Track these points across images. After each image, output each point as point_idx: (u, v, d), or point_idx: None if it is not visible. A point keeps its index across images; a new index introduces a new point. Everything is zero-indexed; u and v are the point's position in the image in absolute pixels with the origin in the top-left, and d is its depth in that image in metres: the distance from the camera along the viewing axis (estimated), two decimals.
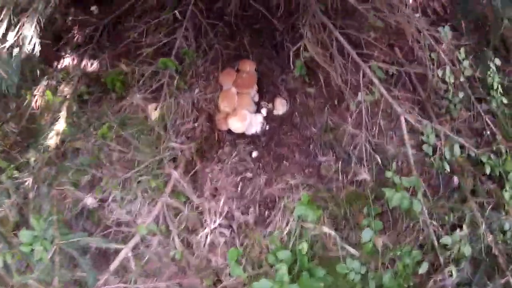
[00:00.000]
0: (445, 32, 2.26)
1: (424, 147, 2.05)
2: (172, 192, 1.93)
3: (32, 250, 1.94)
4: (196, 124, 2.01)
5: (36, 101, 2.28)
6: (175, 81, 2.03)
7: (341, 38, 1.99)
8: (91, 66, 2.34)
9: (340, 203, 1.97)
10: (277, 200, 1.98)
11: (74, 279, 1.82)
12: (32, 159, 2.09)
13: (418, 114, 2.16)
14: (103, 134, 2.00)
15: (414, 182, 1.93)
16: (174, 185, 1.93)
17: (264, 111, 2.11)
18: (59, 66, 2.41)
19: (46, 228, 1.90)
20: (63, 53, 2.43)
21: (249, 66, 2.08)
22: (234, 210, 1.96)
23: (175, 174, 1.93)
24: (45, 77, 2.31)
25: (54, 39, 2.41)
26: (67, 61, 2.41)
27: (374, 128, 2.11)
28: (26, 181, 2.03)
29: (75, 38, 2.44)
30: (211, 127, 2.05)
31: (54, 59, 2.42)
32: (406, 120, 2.07)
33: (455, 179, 2.11)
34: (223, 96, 2.04)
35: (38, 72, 2.33)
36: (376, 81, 2.00)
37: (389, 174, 1.95)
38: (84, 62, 2.35)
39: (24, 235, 1.95)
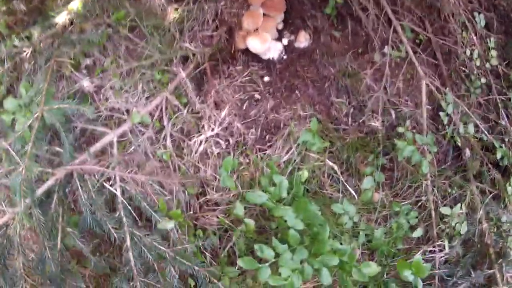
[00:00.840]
0: (480, 18, 2.24)
1: (441, 114, 1.98)
2: (174, 90, 1.81)
3: (14, 119, 1.80)
4: (214, 33, 1.91)
5: None
6: None
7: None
8: None
9: (346, 146, 1.87)
10: (281, 126, 1.86)
11: (50, 152, 1.67)
12: (36, 33, 1.96)
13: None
14: (118, 19, 1.88)
15: (428, 140, 1.85)
16: (178, 84, 1.81)
17: (285, 41, 2.02)
18: None
19: (32, 98, 1.76)
20: None
21: None
22: (235, 125, 1.84)
23: (182, 74, 1.81)
24: None
25: None
26: None
27: (393, 87, 2.04)
28: (25, 51, 1.90)
29: None
30: (229, 41, 1.95)
31: None
32: (427, 85, 2.01)
33: (467, 151, 2.02)
34: (249, 15, 1.95)
35: None
36: (405, 40, 1.94)
37: (401, 129, 1.88)
38: None
39: (9, 102, 1.81)
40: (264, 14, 1.97)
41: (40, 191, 1.59)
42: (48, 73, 1.76)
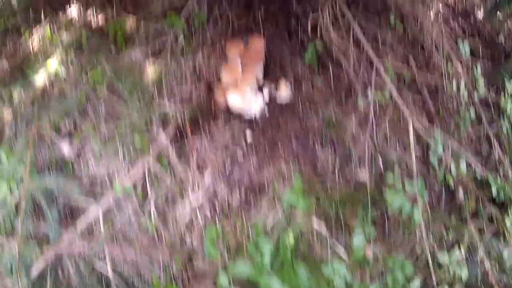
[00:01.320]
0: (464, 47, 2.18)
1: (431, 156, 1.92)
2: (155, 155, 1.75)
3: None
4: (193, 90, 1.86)
5: (33, 42, 2.12)
6: (179, 43, 1.90)
7: (358, 30, 1.89)
8: (96, 17, 2.20)
9: (333, 201, 1.81)
10: (266, 186, 1.81)
11: (36, 229, 1.62)
12: (16, 94, 1.92)
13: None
14: (95, 80, 1.84)
15: (418, 186, 1.79)
16: (159, 148, 1.76)
17: (266, 91, 1.97)
18: (65, 13, 2.25)
19: (15, 167, 1.72)
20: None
21: (258, 42, 1.96)
22: (219, 188, 1.79)
23: (162, 137, 1.76)
24: (47, 20, 2.16)
25: None
26: (74, 9, 2.26)
27: (379, 130, 1.98)
28: (4, 115, 1.86)
29: None
30: (209, 97, 1.90)
31: (61, 4, 2.27)
32: (413, 126, 1.95)
33: (461, 192, 1.96)
34: (227, 68, 1.91)
35: (42, 14, 2.18)
36: (388, 80, 1.88)
37: (390, 177, 1.81)
38: (89, 13, 2.20)
39: None
40: (242, 66, 1.92)
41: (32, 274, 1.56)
42: (30, 141, 1.72)
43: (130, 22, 2.02)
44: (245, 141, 1.90)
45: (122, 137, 1.77)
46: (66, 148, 1.83)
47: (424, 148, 2.01)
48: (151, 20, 1.99)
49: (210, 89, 1.91)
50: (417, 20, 2.21)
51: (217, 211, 1.75)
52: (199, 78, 1.90)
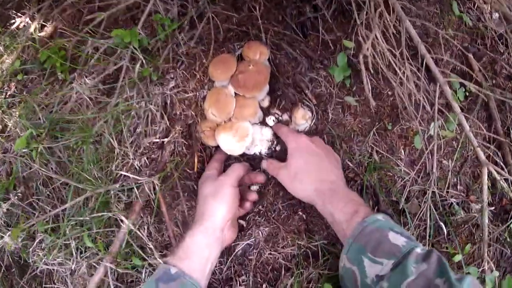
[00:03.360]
0: None
1: None
2: (119, 250, 1.23)
3: None
4: (165, 140, 1.27)
5: None
6: (137, 67, 1.28)
7: (412, 31, 1.20)
8: (42, 30, 1.57)
9: None
10: (282, 270, 1.28)
11: None
12: None
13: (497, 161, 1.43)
14: (18, 148, 1.29)
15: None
16: (122, 240, 1.23)
17: (271, 122, 1.36)
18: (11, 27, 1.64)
19: None
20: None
21: (259, 53, 1.30)
22: (216, 279, 1.28)
23: (125, 224, 1.22)
24: None
25: None
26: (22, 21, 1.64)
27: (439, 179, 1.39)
28: None
29: None
30: (190, 143, 1.31)
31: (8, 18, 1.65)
32: (490, 174, 1.33)
33: None
34: (213, 98, 1.28)
35: None
36: (455, 106, 1.23)
37: (458, 258, 1.27)
38: (34, 25, 1.57)
39: None
40: (237, 94, 1.30)
41: None
42: None
43: (70, 44, 1.38)
44: (249, 198, 1.34)
45: (71, 224, 1.25)
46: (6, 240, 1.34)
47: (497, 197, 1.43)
48: (98, 34, 1.35)
49: (190, 133, 1.31)
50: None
51: None
52: (172, 118, 1.30)
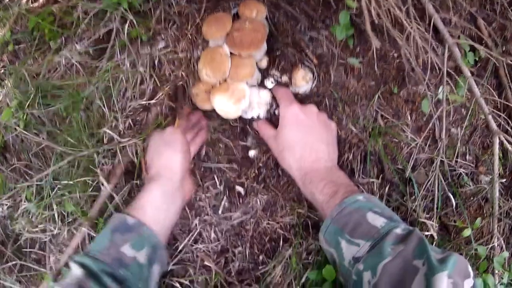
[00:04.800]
0: None
1: None
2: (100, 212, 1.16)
3: None
4: (152, 102, 1.20)
5: None
6: (126, 28, 1.20)
7: None
8: (35, 1, 1.50)
9: None
10: (280, 241, 1.20)
11: None
12: None
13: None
14: (4, 119, 1.22)
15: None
16: (102, 204, 1.16)
17: (270, 84, 1.28)
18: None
19: None
20: None
21: (256, 10, 1.22)
22: (206, 247, 1.20)
23: (107, 188, 1.15)
24: None
25: None
26: None
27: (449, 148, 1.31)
28: None
29: None
30: (177, 105, 1.24)
31: None
32: (501, 144, 1.25)
33: None
34: (207, 58, 1.21)
35: None
36: (465, 70, 1.15)
37: (467, 233, 1.20)
38: None
39: None
40: (232, 54, 1.22)
41: None
42: None
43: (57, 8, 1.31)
44: (247, 162, 1.26)
45: (54, 189, 1.18)
46: None
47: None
48: None
49: (177, 97, 1.23)
50: None
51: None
52: (160, 78, 1.22)
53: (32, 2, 1.48)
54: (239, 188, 1.24)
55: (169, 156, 1.11)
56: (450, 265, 0.76)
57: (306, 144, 1.12)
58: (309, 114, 1.16)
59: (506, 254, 1.27)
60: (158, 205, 1.05)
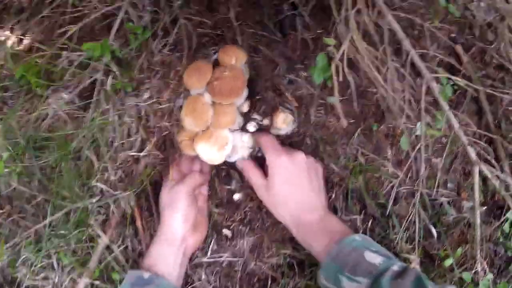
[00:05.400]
0: None
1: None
2: (99, 264, 1.22)
3: None
4: (141, 154, 1.24)
5: None
6: (109, 80, 1.24)
7: (396, 26, 1.14)
8: (20, 44, 1.53)
9: None
10: (269, 281, 1.26)
11: None
12: None
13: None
14: (1, 171, 1.26)
15: None
16: (103, 255, 1.22)
17: (252, 128, 1.31)
18: None
19: None
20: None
21: (235, 57, 1.25)
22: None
23: (104, 239, 1.21)
24: None
25: None
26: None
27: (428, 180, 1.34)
28: None
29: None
30: (166, 155, 1.28)
31: None
32: (481, 173, 1.28)
33: None
34: (189, 108, 1.24)
35: None
36: (443, 104, 1.18)
37: (449, 263, 1.24)
38: (13, 38, 1.52)
39: None
40: (214, 102, 1.26)
41: None
42: None
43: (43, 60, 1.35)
44: (232, 206, 1.31)
45: (50, 239, 1.24)
46: None
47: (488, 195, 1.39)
48: (77, 49, 1.31)
49: (166, 143, 1.28)
50: None
51: None
52: (147, 129, 1.26)
53: (17, 45, 1.52)
54: (226, 231, 1.28)
55: (171, 216, 1.19)
56: None
57: (299, 198, 1.17)
58: (298, 164, 1.19)
59: (490, 276, 1.31)
60: (166, 261, 1.14)
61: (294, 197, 1.16)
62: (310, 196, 1.17)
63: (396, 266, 0.95)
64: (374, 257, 0.98)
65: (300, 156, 1.21)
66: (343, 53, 1.12)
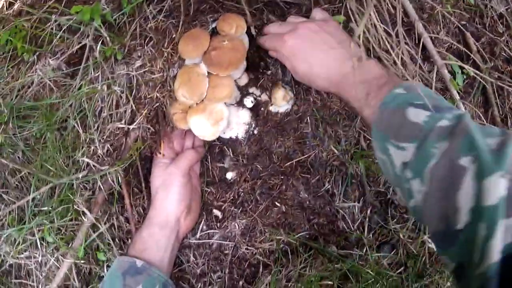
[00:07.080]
0: None
1: None
2: (84, 243, 1.14)
3: None
4: (130, 127, 1.16)
5: None
6: (99, 45, 1.15)
7: (409, 6, 1.06)
8: (10, 8, 1.44)
9: None
10: (260, 268, 1.18)
11: None
12: None
13: None
14: None
15: None
16: (88, 233, 1.14)
17: (249, 103, 1.24)
18: None
19: None
20: None
21: (235, 26, 1.17)
22: (184, 270, 1.19)
23: (89, 216, 1.13)
24: None
25: None
26: None
27: None
28: None
29: None
30: (157, 128, 1.20)
31: None
32: None
33: None
34: (183, 78, 1.16)
35: None
36: (454, 93, 1.10)
37: None
38: (2, 2, 1.43)
39: None
40: (210, 73, 1.18)
41: None
42: None
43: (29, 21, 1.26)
44: (225, 185, 1.23)
45: (34, 214, 1.16)
46: None
47: None
48: (64, 14, 1.22)
49: (158, 119, 1.19)
50: None
51: None
52: (137, 101, 1.18)
53: (6, 9, 1.43)
54: (216, 212, 1.21)
55: (165, 198, 1.12)
56: (508, 159, 0.61)
57: (324, 61, 1.02)
58: (304, 34, 1.06)
59: None
60: (160, 246, 1.08)
61: (319, 63, 1.02)
62: (336, 51, 1.02)
63: (445, 120, 0.73)
64: (418, 114, 0.76)
65: (303, 26, 1.07)
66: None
